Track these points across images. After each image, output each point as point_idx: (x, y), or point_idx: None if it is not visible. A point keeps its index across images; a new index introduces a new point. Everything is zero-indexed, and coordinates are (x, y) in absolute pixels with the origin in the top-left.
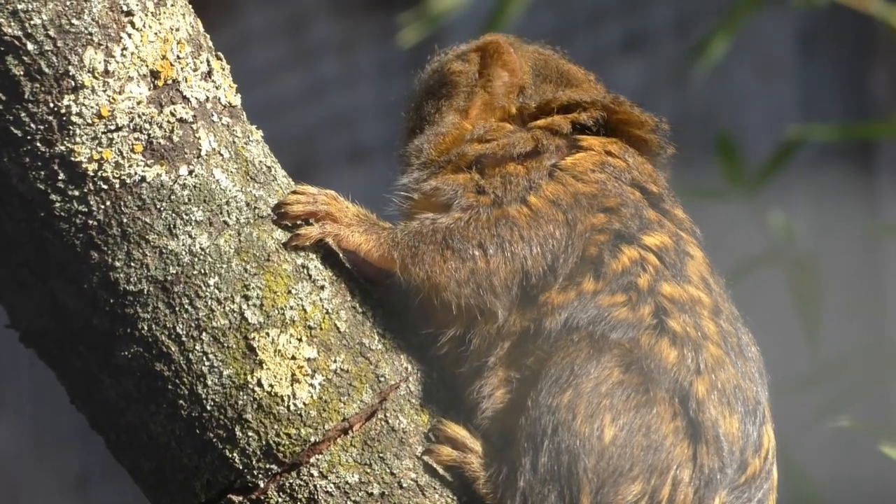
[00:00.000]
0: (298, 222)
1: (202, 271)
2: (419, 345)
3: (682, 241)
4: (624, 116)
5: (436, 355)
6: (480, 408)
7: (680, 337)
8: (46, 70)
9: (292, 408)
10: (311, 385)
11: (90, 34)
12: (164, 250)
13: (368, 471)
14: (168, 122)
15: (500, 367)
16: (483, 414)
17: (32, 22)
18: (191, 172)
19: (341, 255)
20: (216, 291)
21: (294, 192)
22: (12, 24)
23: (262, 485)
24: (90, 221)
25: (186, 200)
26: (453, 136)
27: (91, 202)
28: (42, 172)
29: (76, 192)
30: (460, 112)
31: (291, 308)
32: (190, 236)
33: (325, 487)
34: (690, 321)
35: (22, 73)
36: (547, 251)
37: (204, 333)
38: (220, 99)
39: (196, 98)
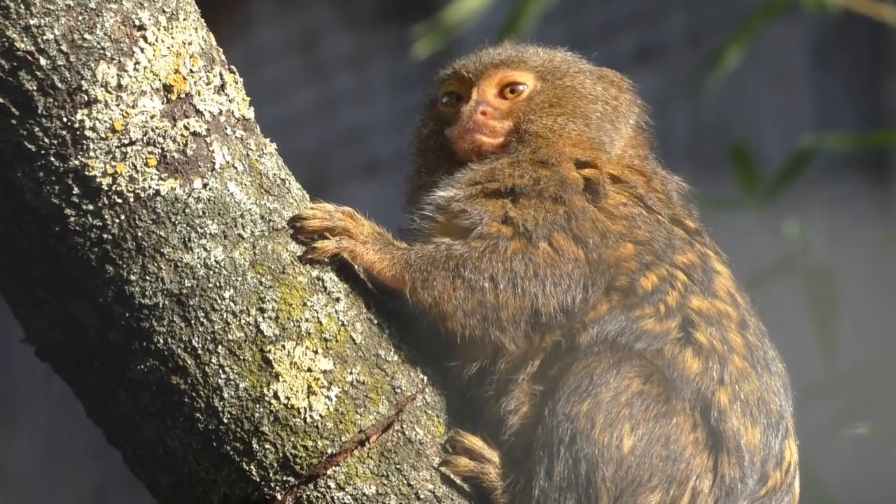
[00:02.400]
0: (315, 237)
1: (217, 284)
2: (434, 355)
3: (709, 260)
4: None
5: (462, 381)
6: (507, 423)
7: (705, 349)
8: (59, 85)
9: (309, 420)
10: (328, 397)
11: (103, 49)
12: (179, 264)
13: (385, 482)
14: (182, 135)
15: (527, 382)
16: (510, 430)
17: (45, 37)
18: (205, 186)
19: (356, 266)
20: (231, 304)
21: (311, 208)
22: (25, 39)
23: (279, 497)
24: (105, 236)
25: (201, 214)
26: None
27: (106, 216)
28: (56, 187)
29: (90, 207)
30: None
31: (307, 320)
32: (205, 249)
33: (343, 499)
34: (717, 334)
35: (35, 87)
36: (560, 291)
37: (220, 346)
38: (233, 112)
39: (209, 111)
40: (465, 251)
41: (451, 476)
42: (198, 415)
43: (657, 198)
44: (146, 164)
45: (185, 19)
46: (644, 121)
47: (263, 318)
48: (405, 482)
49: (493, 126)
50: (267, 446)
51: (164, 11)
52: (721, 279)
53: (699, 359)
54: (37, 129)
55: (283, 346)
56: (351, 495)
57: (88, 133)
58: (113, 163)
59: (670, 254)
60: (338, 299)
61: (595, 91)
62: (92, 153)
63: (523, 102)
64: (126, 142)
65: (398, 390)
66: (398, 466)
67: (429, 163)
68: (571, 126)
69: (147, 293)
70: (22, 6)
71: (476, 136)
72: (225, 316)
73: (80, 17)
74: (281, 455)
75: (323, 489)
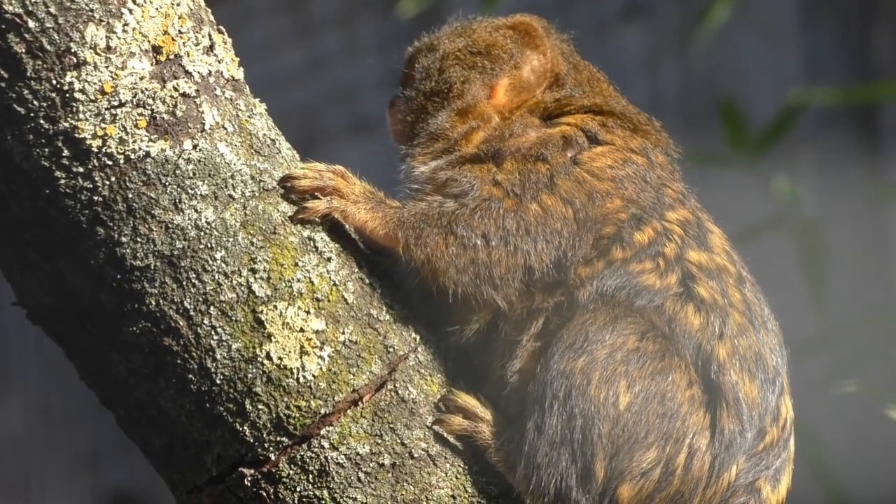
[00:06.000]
0: (306, 197)
1: (208, 245)
2: (428, 315)
3: (701, 220)
4: (644, 136)
5: (460, 344)
6: (507, 382)
7: (707, 303)
8: (48, 47)
9: (302, 380)
10: (321, 357)
11: (91, 10)
12: (170, 225)
13: (379, 442)
14: (171, 96)
15: (530, 342)
16: (509, 388)
17: None
18: (195, 147)
19: (348, 226)
20: (223, 265)
21: (301, 168)
22: (13, 1)
23: (273, 458)
24: (95, 198)
25: (191, 175)
26: (477, 114)
27: (96, 178)
28: (46, 150)
29: (81, 169)
30: (488, 88)
31: (299, 280)
32: (195, 210)
33: (336, 459)
34: (717, 288)
35: (24, 50)
36: (552, 248)
37: (212, 307)
38: (222, 73)
39: (199, 72)
40: (456, 208)
41: (445, 435)
42: (191, 376)
43: (641, 161)
44: (136, 126)
45: None
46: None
47: (255, 278)
48: (399, 441)
49: None
50: (260, 407)
51: None
52: (714, 237)
53: (700, 314)
54: (26, 91)
55: (275, 307)
56: (345, 455)
57: (78, 95)
58: (103, 125)
59: (660, 209)
60: (329, 259)
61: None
62: (81, 115)
63: None
64: (115, 104)
65: (391, 349)
66: (392, 426)
67: None
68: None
69: (138, 255)
70: None
71: None
72: (216, 277)
73: None
74: (274, 415)
75: (317, 449)
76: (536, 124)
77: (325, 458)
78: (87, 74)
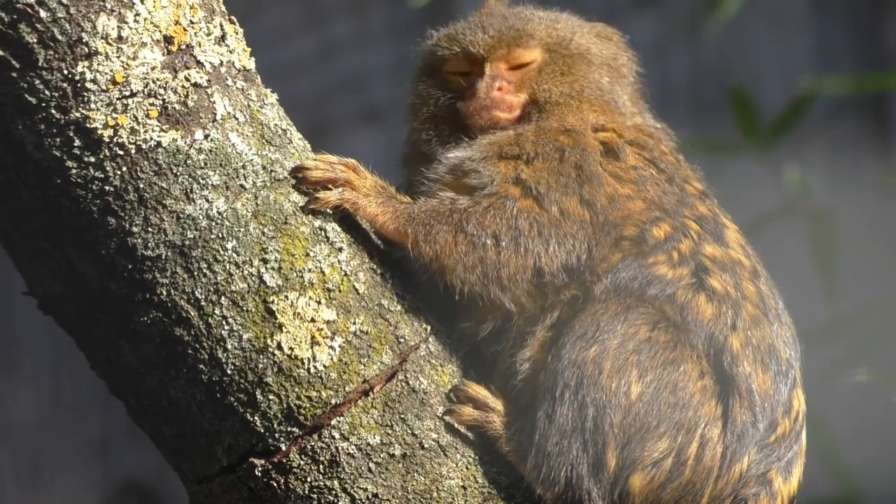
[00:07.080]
0: (317, 188)
1: (220, 235)
2: (439, 306)
3: (718, 216)
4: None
5: (475, 340)
6: (518, 371)
7: (719, 294)
8: (60, 37)
9: (312, 370)
10: (331, 347)
11: (102, 1)
12: (181, 215)
13: (390, 432)
14: (182, 86)
15: (542, 333)
16: (520, 377)
17: None
18: (206, 137)
19: (358, 218)
20: (234, 255)
21: (314, 159)
22: None
23: (283, 448)
24: (107, 187)
25: (202, 165)
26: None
27: (107, 168)
28: (57, 139)
29: (92, 159)
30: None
31: (310, 270)
32: (207, 200)
33: (347, 449)
34: (731, 280)
35: (35, 40)
36: (563, 250)
37: (223, 297)
38: (234, 63)
39: (210, 62)
40: (469, 206)
41: (456, 425)
42: (201, 366)
43: (667, 160)
44: (147, 116)
45: None
46: (637, 71)
47: (266, 268)
48: (409, 432)
49: (509, 101)
50: (271, 397)
51: None
52: (731, 232)
53: (712, 304)
54: (37, 81)
55: (287, 297)
56: (355, 445)
57: (89, 85)
58: (114, 115)
59: (682, 210)
60: (340, 249)
61: (601, 54)
62: (93, 105)
63: (534, 73)
64: (127, 94)
65: (402, 340)
66: (402, 416)
67: (441, 133)
68: (588, 92)
69: (149, 245)
70: None
71: (494, 112)
72: (228, 267)
73: None
74: (285, 406)
75: (327, 439)
76: (587, 134)
77: (336, 448)
78: (98, 64)
